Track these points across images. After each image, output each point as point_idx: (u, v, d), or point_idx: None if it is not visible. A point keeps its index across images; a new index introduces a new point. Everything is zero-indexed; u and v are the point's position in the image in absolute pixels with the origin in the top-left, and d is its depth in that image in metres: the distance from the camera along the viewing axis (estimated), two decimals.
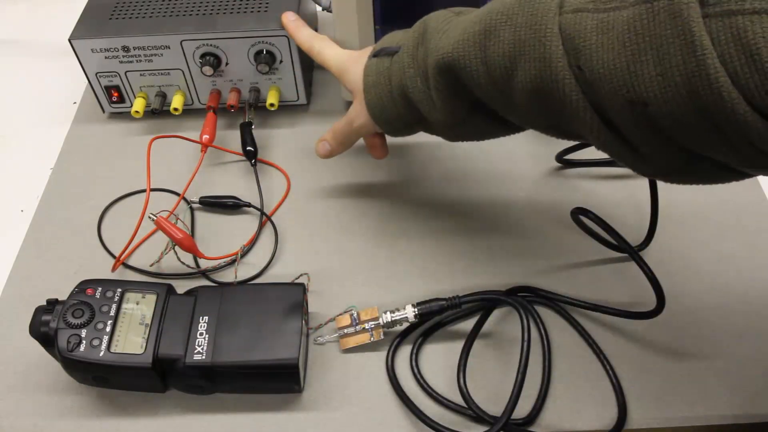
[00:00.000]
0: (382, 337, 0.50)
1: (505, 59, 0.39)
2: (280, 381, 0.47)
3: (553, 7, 0.37)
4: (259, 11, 0.65)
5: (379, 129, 0.52)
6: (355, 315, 0.51)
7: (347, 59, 0.54)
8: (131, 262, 0.57)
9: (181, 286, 0.51)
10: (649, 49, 0.32)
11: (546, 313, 0.52)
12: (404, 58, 0.46)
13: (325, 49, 0.57)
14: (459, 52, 0.41)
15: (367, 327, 0.50)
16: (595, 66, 0.34)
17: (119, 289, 0.47)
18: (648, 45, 0.32)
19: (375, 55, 0.50)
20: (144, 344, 0.45)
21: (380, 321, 0.50)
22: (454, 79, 0.43)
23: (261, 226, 0.60)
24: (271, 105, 0.67)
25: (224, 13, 0.65)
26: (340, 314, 0.51)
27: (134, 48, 0.64)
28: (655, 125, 0.34)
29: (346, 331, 0.50)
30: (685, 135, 0.33)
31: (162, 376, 0.46)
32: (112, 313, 0.46)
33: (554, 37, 0.36)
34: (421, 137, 0.69)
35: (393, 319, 0.50)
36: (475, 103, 0.44)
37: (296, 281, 0.52)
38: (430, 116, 0.47)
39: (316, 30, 0.79)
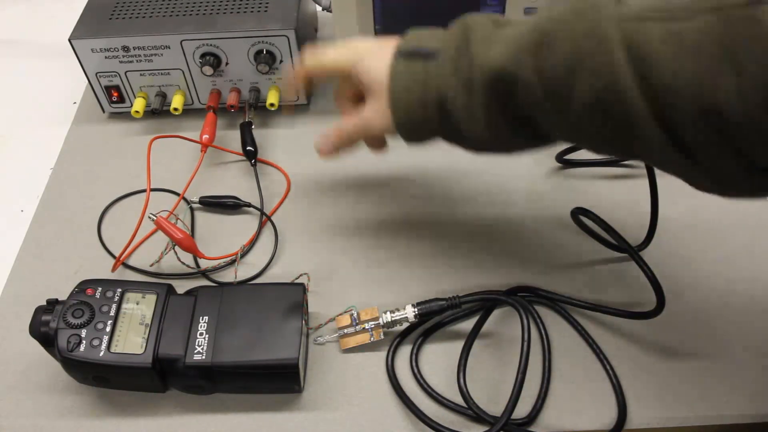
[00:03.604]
0: (382, 337, 0.50)
1: (563, 70, 0.37)
2: (280, 381, 0.47)
3: (614, 14, 0.35)
4: (259, 11, 0.65)
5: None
6: (355, 315, 0.51)
7: (363, 48, 0.48)
8: (131, 262, 0.57)
9: (181, 286, 0.51)
10: (725, 57, 0.31)
11: (546, 313, 0.52)
12: (445, 67, 0.42)
13: (331, 51, 0.50)
14: (513, 65, 0.39)
15: (367, 327, 0.50)
16: (663, 76, 0.33)
17: (119, 289, 0.47)
18: (724, 53, 0.31)
19: (403, 55, 0.45)
20: (144, 344, 0.45)
21: (380, 321, 0.50)
22: (505, 93, 0.40)
23: (261, 226, 0.60)
24: (271, 105, 0.67)
25: (224, 13, 0.65)
26: (340, 314, 0.51)
27: (134, 48, 0.64)
28: (726, 135, 0.33)
29: (346, 331, 0.50)
30: (758, 144, 0.33)
31: (162, 376, 0.46)
32: (112, 313, 0.46)
33: (618, 46, 0.34)
34: None
35: (393, 319, 0.50)
36: (519, 117, 0.41)
37: (296, 281, 0.52)
38: (467, 130, 0.43)
39: (315, 31, 0.79)
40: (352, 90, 0.51)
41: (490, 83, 0.40)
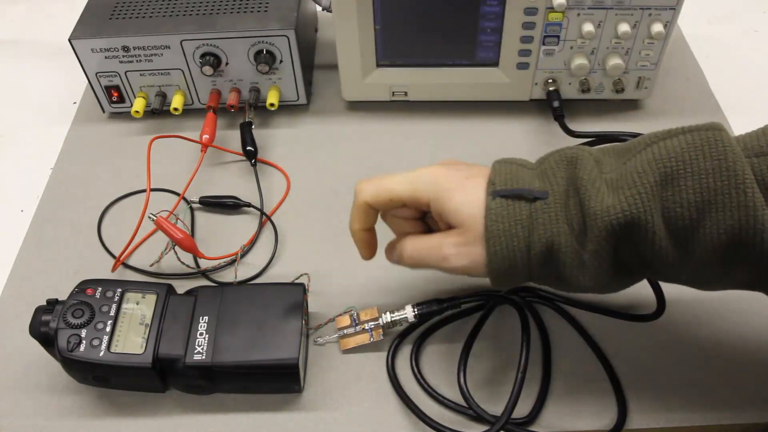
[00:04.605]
0: (381, 337, 0.50)
1: (691, 210, 0.35)
2: (280, 381, 0.47)
3: (737, 149, 0.35)
4: (259, 11, 0.65)
5: (480, 275, 0.42)
6: (354, 315, 0.51)
7: (443, 180, 0.42)
8: (131, 262, 0.57)
9: (181, 286, 0.51)
10: None
11: (546, 313, 0.52)
12: (556, 211, 0.39)
13: (397, 182, 0.43)
14: (636, 208, 0.36)
15: (366, 327, 0.50)
16: None
17: (119, 289, 0.47)
18: None
19: (502, 195, 0.40)
20: (144, 344, 0.45)
21: (380, 321, 0.50)
22: (625, 240, 0.37)
23: (261, 226, 0.60)
24: (271, 105, 0.67)
25: (224, 13, 0.65)
26: (340, 314, 0.51)
27: (134, 48, 0.64)
28: None
29: (346, 331, 0.50)
30: None
31: (162, 376, 0.46)
32: (112, 313, 0.46)
33: (753, 183, 0.34)
34: (420, 132, 0.69)
35: (393, 319, 0.50)
36: (632, 262, 0.39)
37: (296, 281, 0.52)
38: (571, 276, 0.39)
39: (315, 31, 0.79)
40: (372, 217, 0.45)
41: (608, 231, 0.37)
